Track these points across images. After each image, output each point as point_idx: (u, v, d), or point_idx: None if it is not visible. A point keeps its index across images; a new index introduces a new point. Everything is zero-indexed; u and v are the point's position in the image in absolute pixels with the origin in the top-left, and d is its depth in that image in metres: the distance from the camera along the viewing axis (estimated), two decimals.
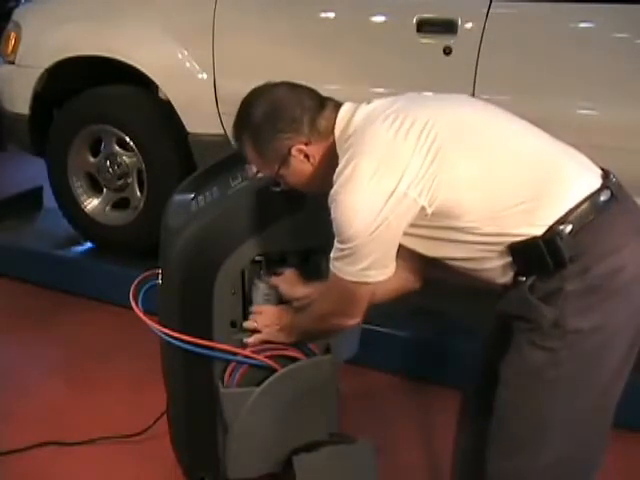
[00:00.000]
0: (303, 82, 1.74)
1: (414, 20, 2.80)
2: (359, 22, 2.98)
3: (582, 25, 2.72)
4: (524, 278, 1.52)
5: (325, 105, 1.67)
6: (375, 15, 2.96)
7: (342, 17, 3.02)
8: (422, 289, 1.77)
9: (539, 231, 1.48)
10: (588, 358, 1.51)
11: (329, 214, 1.55)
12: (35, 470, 2.41)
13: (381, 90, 2.81)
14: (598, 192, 1.51)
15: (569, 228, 1.47)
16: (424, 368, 2.90)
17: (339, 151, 1.61)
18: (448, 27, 2.75)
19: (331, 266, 1.59)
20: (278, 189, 1.78)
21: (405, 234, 1.55)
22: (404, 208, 1.49)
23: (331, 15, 3.06)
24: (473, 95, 2.68)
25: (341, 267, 1.57)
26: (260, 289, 1.92)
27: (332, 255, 1.58)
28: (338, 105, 1.67)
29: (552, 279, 1.49)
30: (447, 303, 2.98)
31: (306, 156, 1.65)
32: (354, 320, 1.67)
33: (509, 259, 1.52)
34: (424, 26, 2.79)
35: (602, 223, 1.49)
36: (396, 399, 2.84)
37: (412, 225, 1.53)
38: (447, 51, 2.75)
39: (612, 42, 2.67)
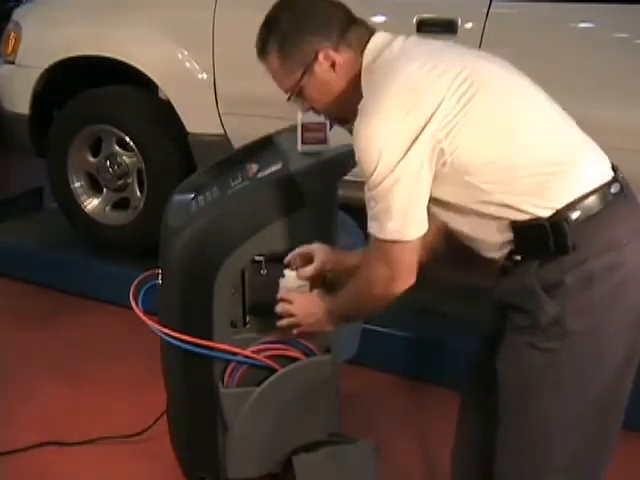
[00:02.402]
0: None
1: (414, 20, 2.80)
2: None
3: (582, 25, 2.72)
4: (519, 257, 1.50)
5: (357, 22, 1.59)
6: (375, 15, 2.95)
7: None
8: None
9: (546, 213, 1.46)
10: (588, 358, 1.50)
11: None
12: (35, 470, 2.41)
13: None
14: (609, 184, 1.49)
15: (576, 215, 1.45)
16: (424, 368, 2.90)
17: (365, 81, 1.55)
18: (448, 27, 2.75)
19: (368, 230, 1.52)
20: (294, 100, 1.63)
21: None
22: (429, 150, 1.43)
23: None
24: None
25: (376, 228, 1.49)
26: (290, 279, 1.82)
27: (368, 217, 1.51)
28: (372, 29, 1.59)
29: (552, 266, 1.46)
30: (447, 303, 2.98)
31: (332, 65, 1.57)
32: (406, 282, 1.54)
33: (509, 235, 1.49)
34: (424, 26, 2.79)
35: (607, 216, 1.47)
36: (396, 399, 2.84)
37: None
38: None
39: (612, 42, 2.67)
